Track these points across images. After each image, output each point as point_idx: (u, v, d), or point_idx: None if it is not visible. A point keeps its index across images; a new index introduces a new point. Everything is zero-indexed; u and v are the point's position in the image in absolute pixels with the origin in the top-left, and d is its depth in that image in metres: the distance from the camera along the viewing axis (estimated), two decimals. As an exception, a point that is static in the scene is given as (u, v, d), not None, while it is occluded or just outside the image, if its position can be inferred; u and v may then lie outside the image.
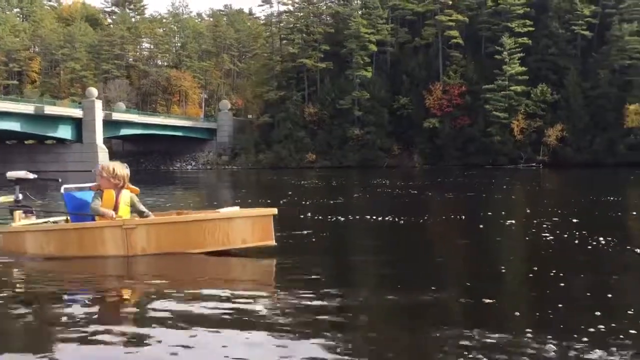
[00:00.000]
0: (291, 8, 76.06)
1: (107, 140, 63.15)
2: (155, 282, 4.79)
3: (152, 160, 72.08)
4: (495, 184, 22.66)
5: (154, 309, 3.83)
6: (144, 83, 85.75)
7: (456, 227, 8.68)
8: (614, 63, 55.55)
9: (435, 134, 60.56)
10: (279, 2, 76.06)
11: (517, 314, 3.58)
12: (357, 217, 9.53)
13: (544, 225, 7.81)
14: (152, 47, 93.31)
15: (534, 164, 54.56)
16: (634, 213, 10.52)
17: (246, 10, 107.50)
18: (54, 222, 6.62)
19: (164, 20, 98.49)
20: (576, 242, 6.35)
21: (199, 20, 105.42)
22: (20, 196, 6.62)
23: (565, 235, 6.83)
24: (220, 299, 4.09)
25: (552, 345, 2.92)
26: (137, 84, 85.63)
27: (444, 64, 63.58)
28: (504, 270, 4.99)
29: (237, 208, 6.30)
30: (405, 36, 67.44)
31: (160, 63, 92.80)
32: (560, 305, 3.64)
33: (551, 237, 6.71)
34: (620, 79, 55.46)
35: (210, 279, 5.05)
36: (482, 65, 61.76)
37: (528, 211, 10.99)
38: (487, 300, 3.83)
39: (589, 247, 6.03)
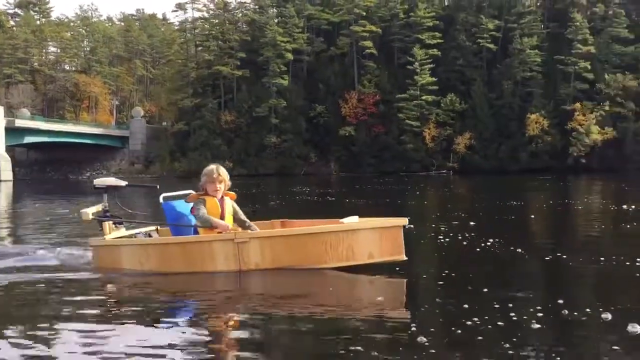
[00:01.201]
0: (206, 15, 75.19)
1: (9, 149, 59.55)
2: (273, 302, 4.27)
3: (60, 169, 68.79)
4: (409, 190, 23.43)
5: (272, 334, 3.49)
6: (50, 88, 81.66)
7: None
8: (516, 75, 58.89)
9: (351, 141, 61.70)
10: (193, 9, 74.98)
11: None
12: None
13: (451, 228, 8.25)
14: (58, 51, 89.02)
15: (444, 171, 56.80)
16: (532, 216, 11.28)
17: (159, 16, 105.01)
18: (146, 233, 6.09)
19: (72, 24, 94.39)
20: (473, 242, 6.79)
21: (110, 24, 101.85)
22: (107, 205, 6.02)
23: (466, 236, 7.31)
24: (348, 321, 3.62)
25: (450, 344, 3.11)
26: (42, 89, 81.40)
27: (359, 73, 65.00)
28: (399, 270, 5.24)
29: (355, 218, 5.51)
30: (321, 45, 68.36)
31: (67, 68, 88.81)
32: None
33: (455, 238, 7.16)
34: (522, 90, 58.87)
35: (336, 298, 4.32)
36: (396, 75, 63.66)
37: (438, 214, 11.52)
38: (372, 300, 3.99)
39: (485, 246, 6.49)
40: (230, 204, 5.57)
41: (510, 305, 3.76)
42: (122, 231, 6.04)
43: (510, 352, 2.91)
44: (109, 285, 5.16)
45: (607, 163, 51.69)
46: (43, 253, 6.61)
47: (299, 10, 69.10)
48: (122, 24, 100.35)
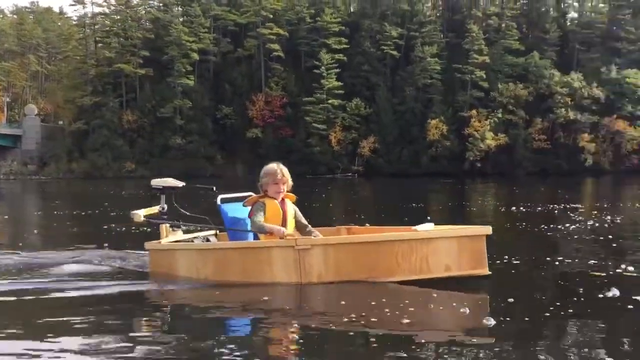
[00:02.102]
0: (107, 10, 72.33)
1: None
2: (338, 320, 3.64)
3: (-58, 170, 63.61)
4: (316, 193, 23.72)
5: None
6: None
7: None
8: (417, 81, 61.17)
9: (258, 144, 61.52)
10: (93, 3, 71.88)
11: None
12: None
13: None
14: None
15: (350, 174, 57.96)
16: (429, 217, 11.80)
17: (56, 9, 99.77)
18: (204, 237, 5.70)
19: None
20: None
21: (1, 17, 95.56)
22: (165, 207, 5.66)
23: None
24: (425, 344, 3.15)
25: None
26: None
27: (266, 75, 64.98)
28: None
29: (430, 225, 4.93)
30: (227, 46, 67.68)
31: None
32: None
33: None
34: (423, 96, 61.22)
35: (410, 317, 3.68)
36: (303, 79, 64.22)
37: (343, 216, 11.78)
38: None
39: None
40: (292, 207, 5.13)
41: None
42: (179, 235, 5.67)
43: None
44: (162, 293, 4.77)
45: (499, 167, 54.84)
46: (98, 255, 6.38)
47: (204, 9, 68.09)
48: (15, 16, 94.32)
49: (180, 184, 5.71)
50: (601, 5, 65.97)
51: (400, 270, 4.58)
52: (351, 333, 3.40)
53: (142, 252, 5.78)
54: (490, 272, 4.62)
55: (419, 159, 58.68)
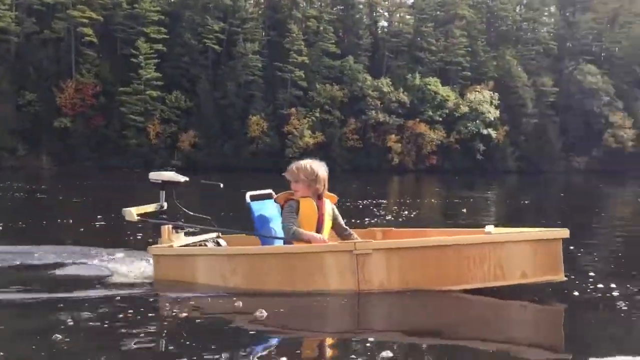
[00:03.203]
0: None
1: None
2: (408, 338, 3.24)
3: None
4: (130, 187, 22.68)
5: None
6: None
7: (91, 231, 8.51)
8: (239, 77, 61.31)
9: (67, 134, 57.01)
10: None
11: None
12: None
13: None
14: None
15: (169, 168, 56.18)
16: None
17: None
18: (214, 240, 5.07)
19: None
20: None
21: None
22: (165, 205, 4.92)
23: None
24: None
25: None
26: None
27: (76, 60, 60.33)
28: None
29: (491, 227, 4.52)
30: (32, 27, 61.58)
31: None
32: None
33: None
34: (245, 92, 61.52)
35: (494, 334, 3.35)
36: (119, 67, 60.77)
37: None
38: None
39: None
40: (330, 207, 4.67)
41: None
42: (182, 237, 4.97)
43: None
44: (178, 306, 4.01)
45: (317, 164, 57.14)
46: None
47: (5, -16, 61.23)
48: None
49: (183, 178, 5.06)
50: (408, 17, 71.72)
51: (471, 277, 4.20)
52: (419, 351, 3.10)
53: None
54: (566, 278, 4.31)
55: (240, 153, 58.95)
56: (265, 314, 3.68)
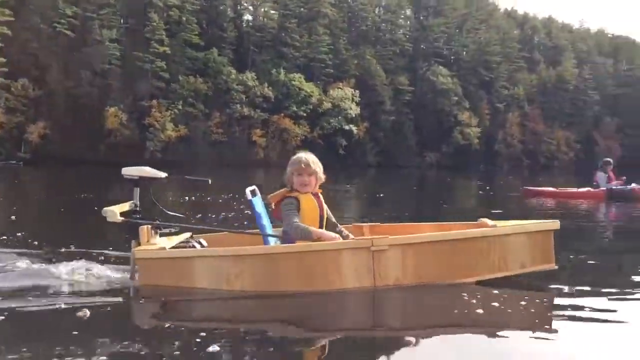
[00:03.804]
0: None
1: None
2: (424, 332, 3.23)
3: None
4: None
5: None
6: None
7: None
8: (95, 66, 57.93)
9: None
10: None
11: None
12: None
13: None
14: None
15: (14, 161, 51.82)
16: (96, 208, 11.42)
17: None
18: (196, 240, 4.68)
19: None
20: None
21: None
22: (138, 204, 4.49)
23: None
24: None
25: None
26: None
27: None
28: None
29: (486, 219, 4.65)
30: None
31: None
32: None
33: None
34: (101, 81, 58.27)
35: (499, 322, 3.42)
36: (-46, 50, 54.86)
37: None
38: None
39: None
40: (323, 203, 4.40)
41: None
42: (157, 238, 4.56)
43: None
44: (174, 313, 3.74)
45: (180, 158, 55.72)
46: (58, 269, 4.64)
47: None
48: None
49: (162, 174, 4.57)
50: (272, 12, 72.10)
51: (479, 269, 4.30)
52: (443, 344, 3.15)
53: None
54: (557, 267, 4.52)
55: (96, 146, 55.76)
56: (88, 313, 3.49)
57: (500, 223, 4.61)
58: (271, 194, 4.39)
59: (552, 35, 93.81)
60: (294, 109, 63.72)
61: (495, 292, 4.07)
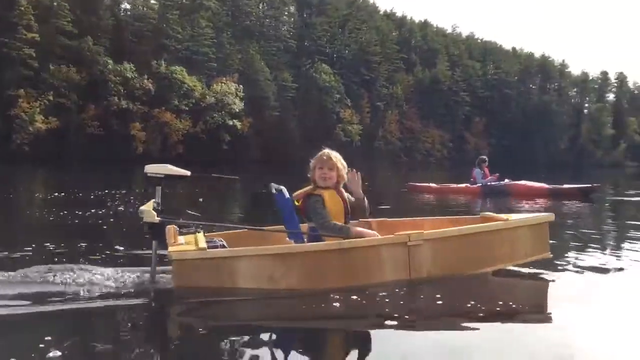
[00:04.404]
0: None
1: None
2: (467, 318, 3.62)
3: None
4: None
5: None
6: None
7: None
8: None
9: None
10: None
11: None
12: None
13: None
14: None
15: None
16: None
17: None
18: (219, 240, 4.52)
19: None
20: None
21: None
22: (160, 203, 4.29)
23: None
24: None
25: None
26: None
27: None
28: None
29: (489, 213, 5.26)
30: None
31: None
32: None
33: None
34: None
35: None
36: None
37: None
38: None
39: None
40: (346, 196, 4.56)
41: None
42: (190, 239, 4.56)
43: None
44: (213, 314, 3.81)
45: (51, 152, 52.33)
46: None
47: None
48: None
49: (186, 172, 4.50)
50: (152, 1, 69.65)
51: (494, 259, 4.70)
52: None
53: None
54: (552, 255, 4.97)
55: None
56: (119, 316, 3.63)
57: (511, 216, 5.08)
58: (295, 192, 4.55)
59: (428, 38, 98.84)
60: (176, 102, 62.02)
61: (507, 281, 4.70)
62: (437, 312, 3.87)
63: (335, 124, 74.74)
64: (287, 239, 4.62)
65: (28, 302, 3.74)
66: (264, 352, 3.01)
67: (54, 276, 4.31)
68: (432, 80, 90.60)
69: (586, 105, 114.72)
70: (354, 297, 3.97)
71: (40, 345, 2.89)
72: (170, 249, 4.28)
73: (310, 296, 4.04)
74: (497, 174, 16.43)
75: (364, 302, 3.95)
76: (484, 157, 17.12)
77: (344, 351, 3.30)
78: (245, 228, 5.06)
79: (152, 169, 4.48)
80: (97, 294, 3.99)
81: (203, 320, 3.71)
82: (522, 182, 16.09)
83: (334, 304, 3.83)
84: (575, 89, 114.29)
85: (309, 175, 4.59)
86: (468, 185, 16.44)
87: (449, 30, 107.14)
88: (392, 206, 11.86)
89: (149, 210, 4.23)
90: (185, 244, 4.45)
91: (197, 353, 3.08)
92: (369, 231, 4.55)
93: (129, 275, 4.41)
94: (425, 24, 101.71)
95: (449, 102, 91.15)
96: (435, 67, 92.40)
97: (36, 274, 4.37)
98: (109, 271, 4.49)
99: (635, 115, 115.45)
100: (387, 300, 3.96)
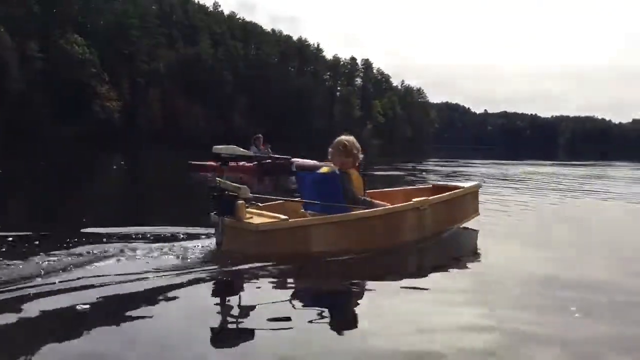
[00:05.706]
0: None
1: None
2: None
3: None
4: None
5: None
6: None
7: None
8: None
9: None
10: None
11: None
12: None
13: None
14: None
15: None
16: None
17: None
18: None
19: None
20: None
21: None
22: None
23: None
24: None
25: None
26: None
27: None
28: None
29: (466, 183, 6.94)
30: None
31: None
32: None
33: None
34: None
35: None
36: None
37: None
38: None
39: None
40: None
41: None
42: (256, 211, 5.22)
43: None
44: (300, 276, 4.48)
45: None
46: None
47: None
48: None
49: (249, 152, 5.02)
50: None
51: (459, 217, 6.22)
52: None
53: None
54: (480, 214, 6.70)
55: None
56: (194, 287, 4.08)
57: (460, 184, 6.72)
58: (320, 170, 5.31)
59: (190, 15, 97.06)
60: None
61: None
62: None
63: (91, 100, 69.52)
64: (302, 210, 5.43)
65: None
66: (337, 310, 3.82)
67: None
68: (195, 58, 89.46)
69: (338, 88, 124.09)
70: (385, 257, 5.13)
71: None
72: (261, 223, 4.77)
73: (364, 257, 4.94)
74: (270, 146, 16.64)
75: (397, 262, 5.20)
76: (259, 135, 17.22)
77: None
78: (281, 200, 5.80)
79: (220, 149, 4.85)
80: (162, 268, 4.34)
81: (283, 281, 4.37)
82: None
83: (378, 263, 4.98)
84: (329, 73, 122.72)
85: (329, 158, 5.32)
86: (245, 163, 16.31)
87: (211, 9, 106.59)
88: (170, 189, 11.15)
89: (245, 188, 4.75)
90: (256, 216, 4.97)
91: (282, 312, 3.57)
92: (382, 202, 5.45)
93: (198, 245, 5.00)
94: (186, 0, 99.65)
95: (212, 81, 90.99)
96: (198, 45, 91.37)
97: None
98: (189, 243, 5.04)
99: (379, 98, 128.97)
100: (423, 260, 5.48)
